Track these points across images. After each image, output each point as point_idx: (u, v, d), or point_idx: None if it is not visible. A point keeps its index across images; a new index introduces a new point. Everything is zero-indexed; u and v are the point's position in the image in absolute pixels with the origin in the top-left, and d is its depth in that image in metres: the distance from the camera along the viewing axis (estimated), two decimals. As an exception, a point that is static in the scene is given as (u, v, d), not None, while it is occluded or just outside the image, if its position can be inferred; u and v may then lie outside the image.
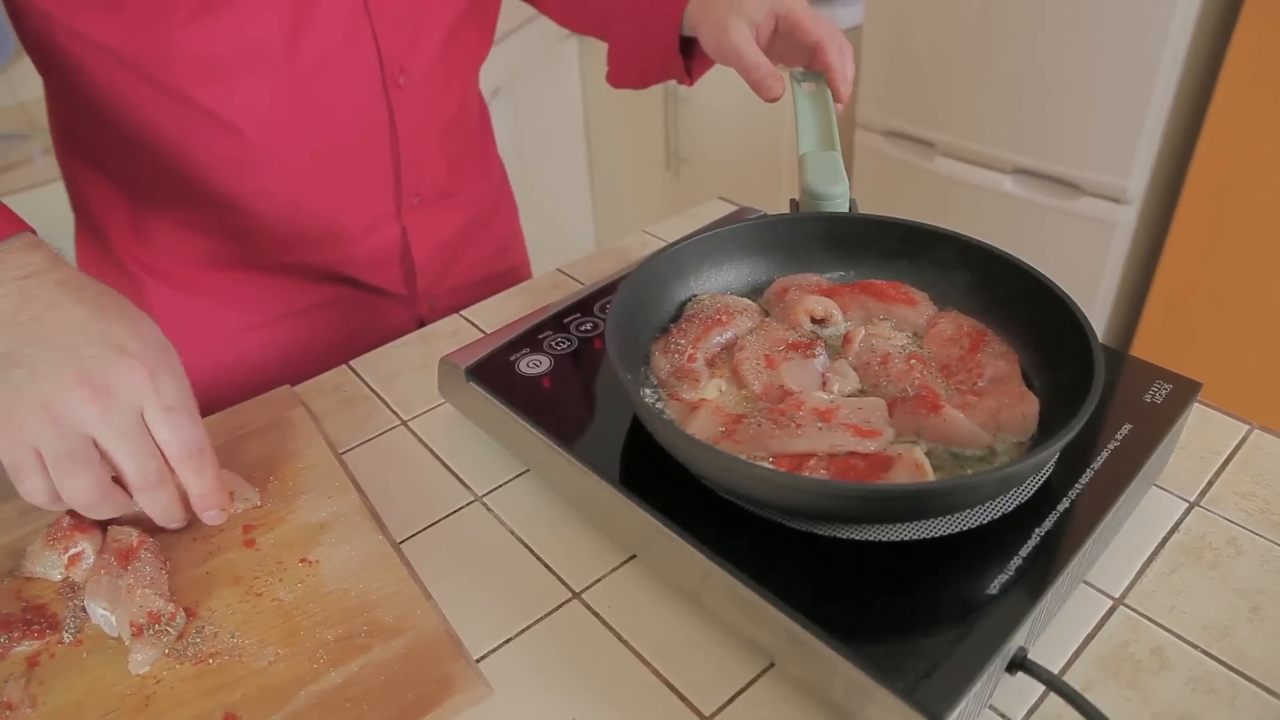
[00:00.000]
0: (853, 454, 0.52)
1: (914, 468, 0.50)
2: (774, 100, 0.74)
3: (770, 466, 0.51)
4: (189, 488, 0.55)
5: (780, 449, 0.52)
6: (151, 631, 0.51)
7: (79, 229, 0.87)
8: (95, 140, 0.78)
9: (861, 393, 0.58)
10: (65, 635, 0.53)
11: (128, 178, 0.79)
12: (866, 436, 0.52)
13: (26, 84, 1.93)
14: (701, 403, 0.57)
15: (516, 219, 1.08)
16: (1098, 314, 1.73)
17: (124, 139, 0.75)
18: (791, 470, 0.51)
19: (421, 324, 0.95)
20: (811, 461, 0.51)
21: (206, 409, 0.76)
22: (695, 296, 0.67)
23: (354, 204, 0.84)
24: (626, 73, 0.89)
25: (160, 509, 0.55)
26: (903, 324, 0.63)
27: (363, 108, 0.78)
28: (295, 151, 0.77)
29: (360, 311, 0.91)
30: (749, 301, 0.66)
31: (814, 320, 0.63)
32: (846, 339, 0.61)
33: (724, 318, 0.63)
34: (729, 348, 0.62)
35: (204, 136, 0.74)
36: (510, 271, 1.05)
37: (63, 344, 0.51)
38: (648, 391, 0.60)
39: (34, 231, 0.56)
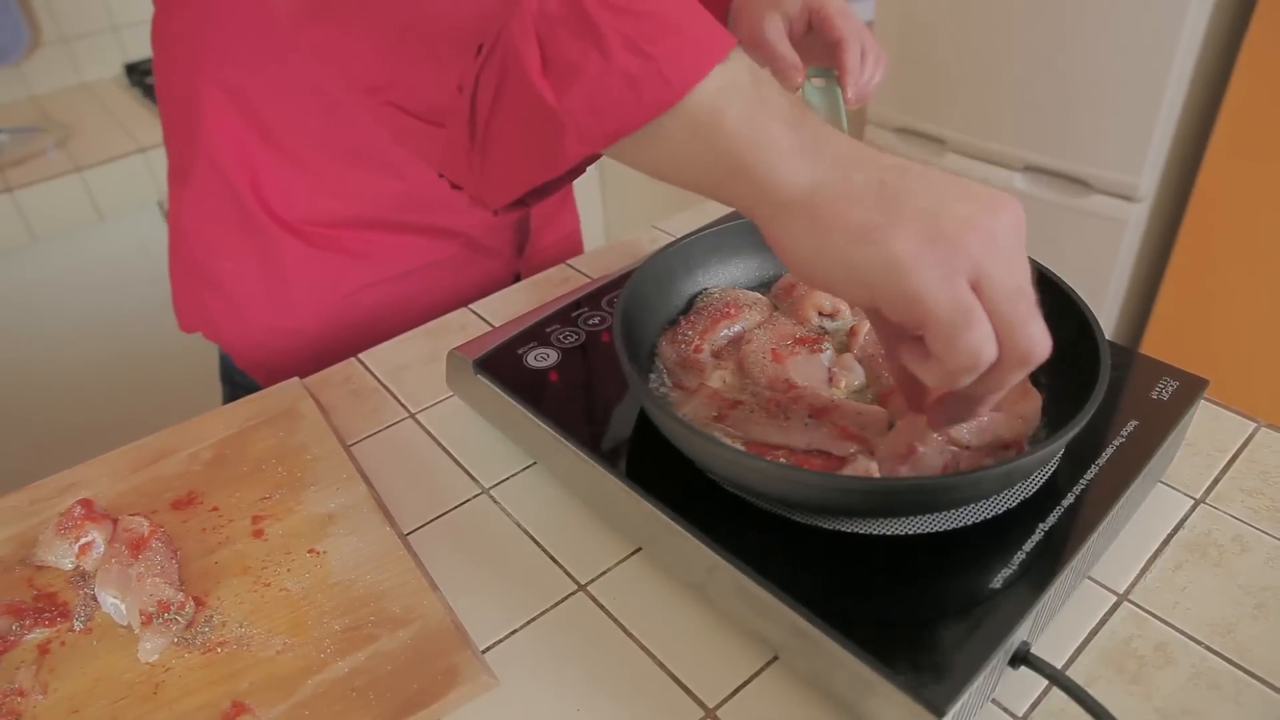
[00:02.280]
0: (818, 451, 0.52)
1: (862, 474, 0.50)
2: (792, 91, 0.75)
3: (770, 456, 0.51)
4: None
5: (758, 437, 0.53)
6: (161, 620, 0.52)
7: (196, 191, 0.85)
8: (257, 106, 0.78)
9: (865, 387, 0.59)
10: (76, 623, 0.54)
11: (286, 141, 0.80)
12: (850, 440, 0.52)
13: (40, 78, 1.95)
14: (700, 387, 0.57)
15: (573, 194, 1.12)
16: (1108, 311, 1.72)
17: (293, 105, 0.76)
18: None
19: (518, 279, 1.00)
20: (780, 453, 0.52)
21: (325, 360, 0.80)
22: (706, 290, 0.67)
23: None
24: None
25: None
26: None
27: None
28: None
29: (469, 269, 0.95)
30: (759, 295, 0.66)
31: (821, 315, 0.64)
32: (852, 332, 0.61)
33: (732, 311, 0.63)
34: (736, 341, 0.62)
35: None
36: (572, 234, 1.09)
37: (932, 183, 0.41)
38: (652, 377, 0.60)
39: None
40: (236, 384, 0.95)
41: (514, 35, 0.41)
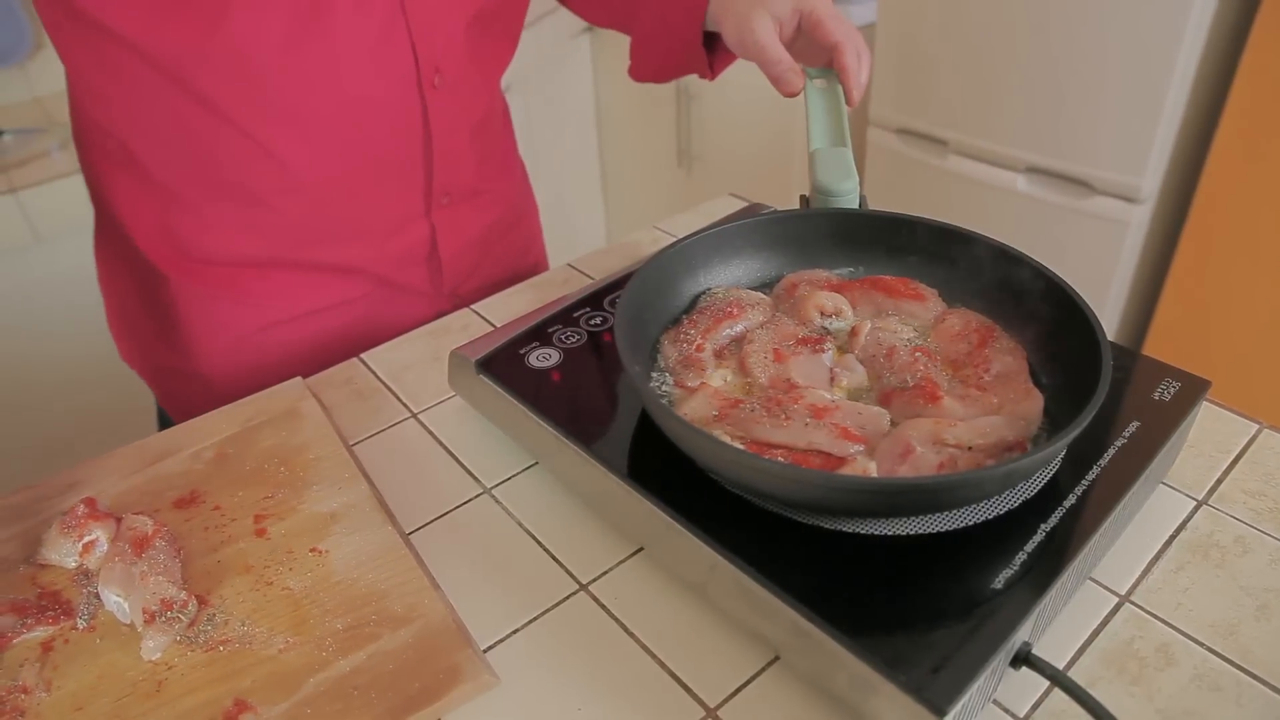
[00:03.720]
0: (817, 451, 0.52)
1: (861, 474, 0.50)
2: (792, 95, 0.74)
3: (769, 456, 0.51)
4: None
5: (760, 436, 0.53)
6: (163, 618, 0.52)
7: (101, 230, 0.87)
8: (127, 138, 0.77)
9: (867, 387, 0.59)
10: (79, 621, 0.54)
11: (158, 175, 0.79)
12: (851, 440, 0.52)
13: (43, 79, 1.95)
14: (701, 386, 0.57)
15: (538, 219, 1.09)
16: (1110, 313, 1.72)
17: (151, 136, 0.75)
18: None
19: None
20: (778, 452, 0.52)
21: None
22: (709, 290, 0.67)
23: (384, 203, 0.84)
24: (648, 67, 0.90)
25: None
26: (911, 319, 0.63)
27: (397, 108, 0.78)
28: (326, 150, 0.77)
29: (385, 308, 0.91)
30: (762, 295, 0.66)
31: (823, 315, 0.64)
32: (854, 332, 0.61)
33: (735, 310, 0.63)
34: (738, 340, 0.62)
35: (230, 133, 0.74)
36: (532, 269, 1.06)
37: None
38: (654, 376, 0.60)
39: None
40: (165, 423, 0.94)
41: None
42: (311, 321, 0.88)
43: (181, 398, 0.89)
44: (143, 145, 0.77)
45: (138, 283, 0.85)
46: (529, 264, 1.05)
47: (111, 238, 0.85)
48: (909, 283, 0.65)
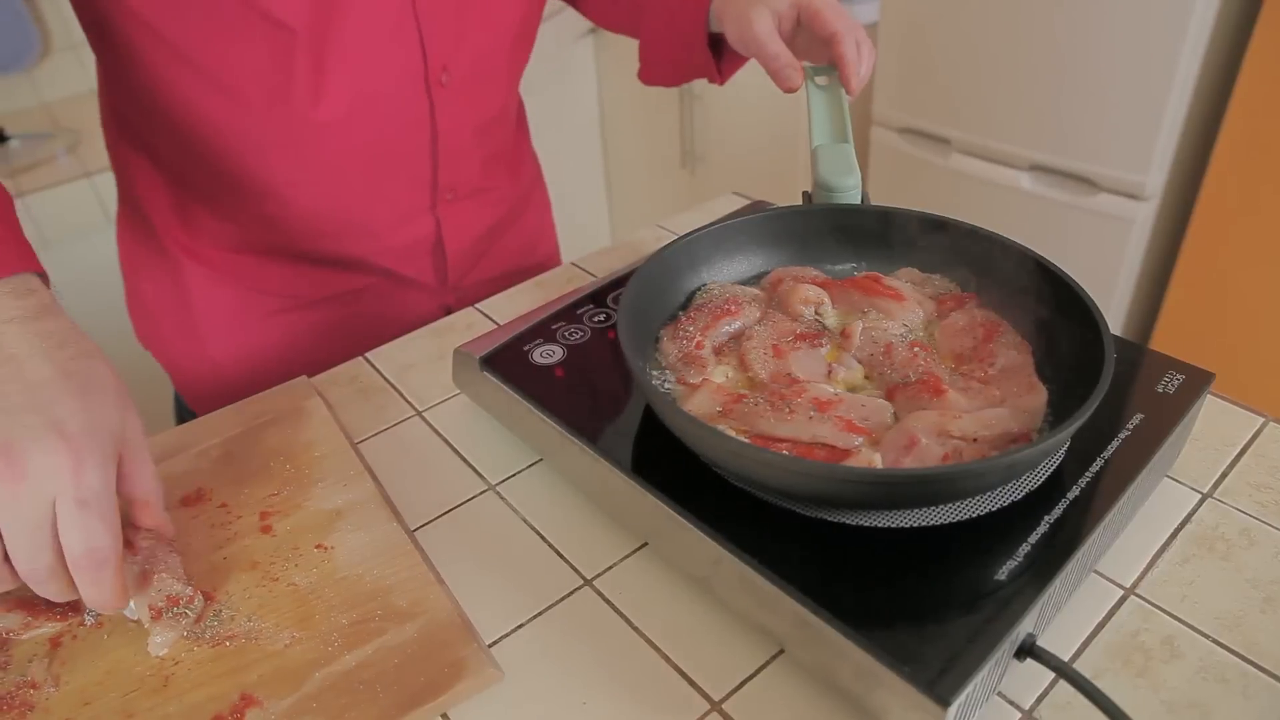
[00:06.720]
0: (822, 444, 0.52)
1: (866, 465, 0.50)
2: (792, 91, 0.74)
3: (774, 449, 0.51)
4: (84, 594, 0.48)
5: (765, 430, 0.53)
6: (170, 615, 0.52)
7: (122, 210, 0.88)
8: (142, 123, 0.79)
9: (865, 379, 0.59)
10: (87, 618, 0.54)
11: (171, 162, 0.80)
12: (856, 433, 0.52)
13: (51, 85, 1.96)
14: (704, 382, 0.57)
15: (549, 214, 1.09)
16: (1116, 310, 1.72)
17: (168, 123, 0.76)
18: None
19: (448, 313, 0.97)
20: (783, 445, 0.52)
21: (234, 392, 0.78)
22: (705, 285, 0.67)
23: (390, 197, 0.85)
24: (657, 69, 0.90)
25: (50, 594, 0.49)
26: (885, 317, 0.63)
27: (404, 103, 0.79)
28: (334, 144, 0.78)
29: (389, 300, 0.92)
30: (755, 291, 0.66)
31: (806, 304, 0.63)
32: (845, 334, 0.61)
33: (733, 308, 0.63)
34: (737, 337, 0.62)
35: (240, 124, 0.75)
36: (540, 265, 1.06)
37: (4, 402, 0.46)
38: (655, 373, 0.60)
39: (44, 275, 0.52)
40: (184, 411, 0.96)
41: None
42: (319, 310, 0.90)
43: (194, 381, 0.91)
44: (156, 132, 0.78)
45: (154, 267, 0.86)
46: (536, 259, 1.05)
47: (133, 222, 0.87)
48: (883, 281, 0.65)
